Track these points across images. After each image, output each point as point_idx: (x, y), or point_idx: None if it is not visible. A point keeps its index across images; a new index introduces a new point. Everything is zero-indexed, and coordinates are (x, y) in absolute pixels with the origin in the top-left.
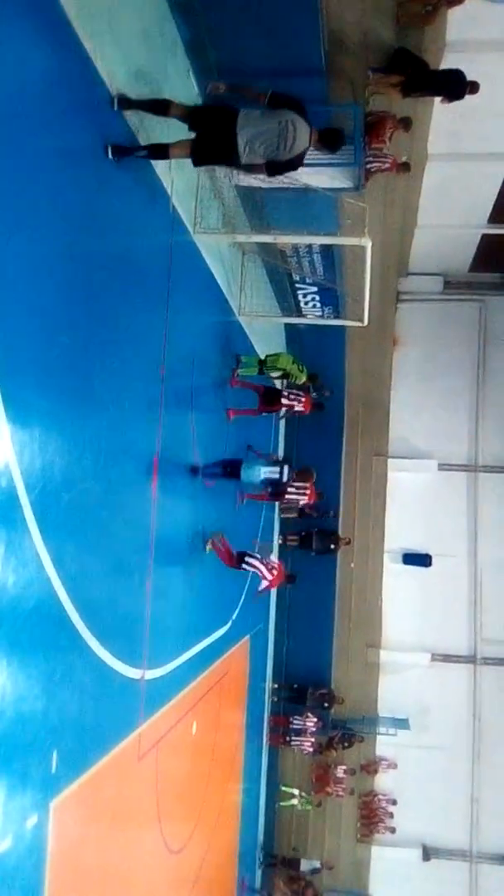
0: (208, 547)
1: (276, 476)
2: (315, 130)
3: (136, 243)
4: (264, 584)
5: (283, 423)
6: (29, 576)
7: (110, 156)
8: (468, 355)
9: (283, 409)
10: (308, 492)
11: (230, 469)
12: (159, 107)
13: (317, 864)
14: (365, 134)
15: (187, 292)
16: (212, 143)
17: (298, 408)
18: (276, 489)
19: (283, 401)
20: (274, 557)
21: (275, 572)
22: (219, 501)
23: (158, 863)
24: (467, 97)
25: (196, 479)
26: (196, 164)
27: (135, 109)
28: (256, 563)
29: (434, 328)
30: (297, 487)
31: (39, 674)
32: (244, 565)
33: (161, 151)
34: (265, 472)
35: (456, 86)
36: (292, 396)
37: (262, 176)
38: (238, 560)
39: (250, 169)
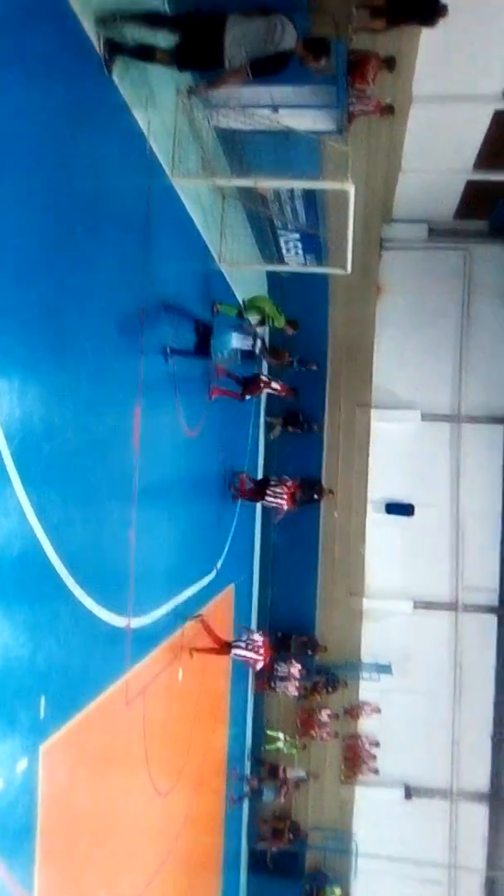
0: (190, 651)
1: (249, 347)
2: (301, 38)
3: (112, 187)
4: (258, 665)
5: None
6: (11, 525)
7: (103, 55)
8: (452, 304)
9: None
10: (286, 495)
11: (202, 332)
12: (150, 20)
13: (303, 774)
14: (348, 74)
15: (166, 238)
16: (198, 44)
17: (275, 385)
18: (249, 383)
19: (262, 385)
20: (257, 636)
21: (262, 651)
22: (202, 452)
23: (147, 804)
24: (451, 34)
25: (178, 429)
26: (180, 66)
27: (123, 27)
28: (242, 651)
29: (418, 277)
30: (275, 491)
31: (25, 622)
32: (233, 657)
33: (148, 53)
34: (236, 339)
35: (427, 9)
36: (272, 381)
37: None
38: (227, 651)
39: (234, 74)
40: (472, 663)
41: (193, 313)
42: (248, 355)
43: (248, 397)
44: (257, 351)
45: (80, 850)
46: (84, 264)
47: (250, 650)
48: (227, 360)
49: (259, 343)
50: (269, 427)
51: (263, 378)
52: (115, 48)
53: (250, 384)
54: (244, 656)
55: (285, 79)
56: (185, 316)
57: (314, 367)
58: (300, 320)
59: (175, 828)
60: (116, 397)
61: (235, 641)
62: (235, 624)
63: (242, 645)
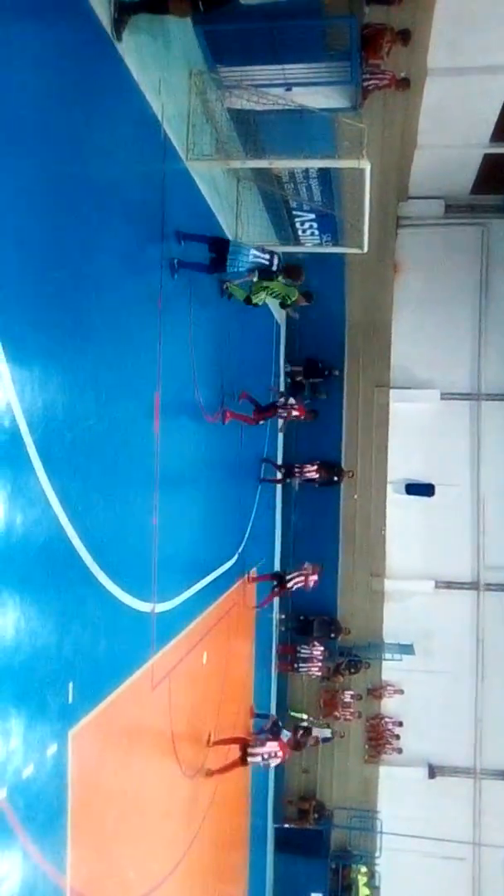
0: (207, 774)
1: (266, 262)
2: None
3: (127, 172)
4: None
5: (283, 359)
6: (37, 514)
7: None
8: (470, 281)
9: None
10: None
11: (215, 249)
12: None
13: (328, 734)
14: (361, 49)
15: (182, 222)
16: None
17: (295, 413)
18: (267, 408)
19: (280, 410)
20: (271, 744)
21: (279, 754)
22: (223, 436)
23: (175, 786)
24: (465, 4)
25: (198, 415)
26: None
27: None
28: (259, 759)
29: (435, 254)
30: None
31: (52, 609)
32: (249, 761)
33: (160, 3)
34: (253, 254)
35: None
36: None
37: None
38: (243, 759)
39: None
40: (494, 642)
41: (214, 303)
42: (264, 270)
43: (261, 422)
44: (274, 267)
45: (110, 832)
46: (100, 251)
47: (269, 756)
48: (240, 276)
49: (276, 260)
50: (290, 375)
51: (280, 406)
52: (126, 8)
53: (266, 410)
54: (262, 762)
55: (299, 56)
56: (205, 303)
57: (336, 373)
58: (316, 300)
59: (202, 809)
60: (136, 384)
61: (251, 750)
62: (258, 602)
63: (259, 752)
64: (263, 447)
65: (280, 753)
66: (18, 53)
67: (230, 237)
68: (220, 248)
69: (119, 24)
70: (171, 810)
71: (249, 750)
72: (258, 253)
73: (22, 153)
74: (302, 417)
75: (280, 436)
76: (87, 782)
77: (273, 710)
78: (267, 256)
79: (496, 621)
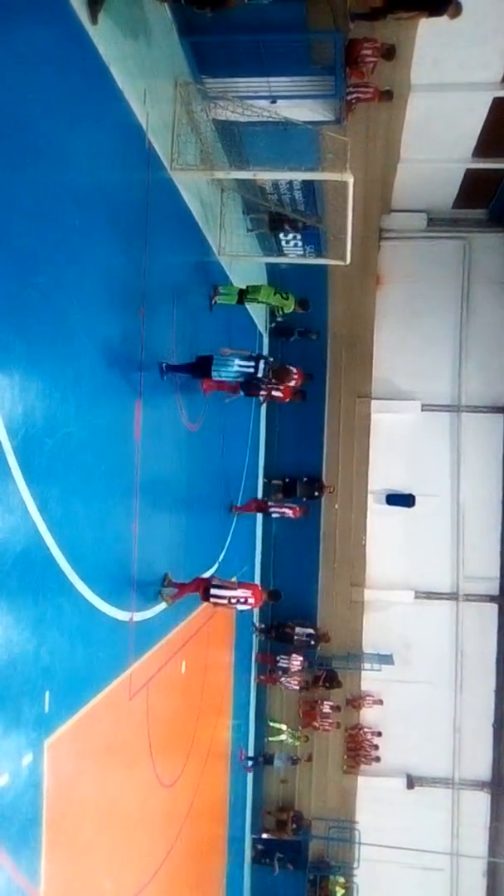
0: (167, 596)
1: (251, 370)
2: None
3: (111, 181)
4: (247, 606)
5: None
6: (15, 521)
7: None
8: (452, 294)
9: (263, 395)
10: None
11: (199, 365)
12: None
13: (310, 631)
14: (345, 65)
15: (165, 231)
16: None
17: (276, 394)
18: (248, 384)
19: (262, 391)
20: (242, 590)
21: (251, 600)
22: (203, 445)
23: (152, 796)
24: (450, 22)
25: (179, 423)
26: None
27: None
28: (226, 601)
29: (417, 267)
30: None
31: (29, 617)
32: (212, 599)
33: None
34: (238, 364)
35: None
36: (271, 386)
37: None
38: (205, 593)
39: None
40: (473, 652)
41: (197, 313)
42: (249, 380)
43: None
44: (260, 373)
45: (85, 843)
46: (83, 258)
47: (238, 602)
48: (228, 380)
49: (262, 364)
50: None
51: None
52: None
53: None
54: (226, 600)
55: (284, 69)
56: (187, 312)
57: (314, 337)
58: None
59: (179, 818)
60: (117, 391)
61: (218, 585)
62: (238, 617)
63: (225, 586)
64: (245, 457)
65: (252, 600)
66: (1, 59)
67: (212, 353)
68: (203, 364)
69: (95, 4)
70: (148, 820)
71: (214, 591)
72: (243, 363)
73: (4, 159)
74: (287, 399)
75: (262, 443)
76: (63, 792)
77: (251, 720)
78: (252, 364)
79: (475, 631)
